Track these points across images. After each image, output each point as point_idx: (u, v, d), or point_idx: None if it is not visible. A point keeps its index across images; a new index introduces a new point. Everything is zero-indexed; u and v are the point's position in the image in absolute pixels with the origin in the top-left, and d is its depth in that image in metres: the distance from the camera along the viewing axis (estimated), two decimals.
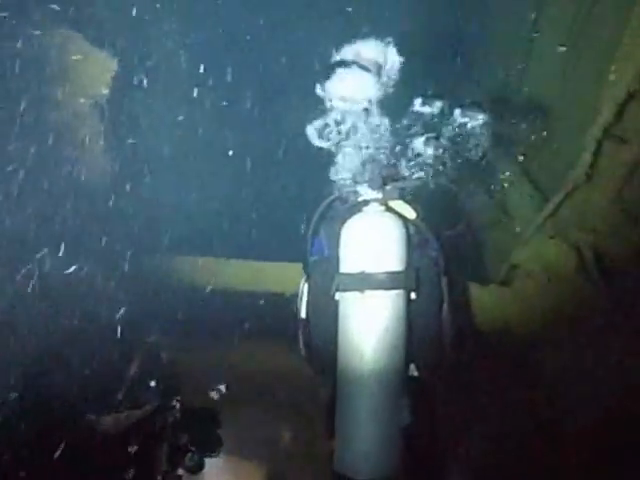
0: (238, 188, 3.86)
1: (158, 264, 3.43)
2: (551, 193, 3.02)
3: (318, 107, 2.44)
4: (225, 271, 3.32)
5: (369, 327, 1.96)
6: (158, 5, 3.41)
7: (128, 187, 3.43)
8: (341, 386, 2.01)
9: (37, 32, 2.84)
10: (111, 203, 3.31)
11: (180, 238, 3.46)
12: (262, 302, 3.25)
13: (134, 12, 3.30)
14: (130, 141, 3.62)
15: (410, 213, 2.21)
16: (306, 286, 2.20)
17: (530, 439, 2.69)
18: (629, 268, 2.61)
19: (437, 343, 2.11)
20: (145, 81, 3.56)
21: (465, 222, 2.48)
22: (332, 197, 2.34)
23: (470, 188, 3.53)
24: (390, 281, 1.96)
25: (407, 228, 2.09)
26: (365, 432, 1.92)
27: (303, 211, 2.42)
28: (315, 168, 2.63)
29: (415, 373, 2.10)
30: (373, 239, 2.02)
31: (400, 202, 2.25)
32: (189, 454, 2.75)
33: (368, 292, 1.96)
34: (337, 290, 2.03)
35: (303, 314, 2.18)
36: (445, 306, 2.11)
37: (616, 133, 2.34)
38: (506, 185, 3.46)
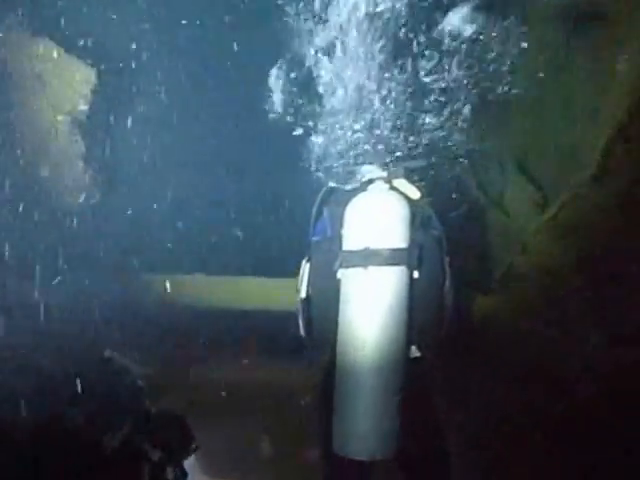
0: (226, 203, 3.71)
1: (143, 283, 3.28)
2: (549, 190, 2.88)
3: None
4: (212, 288, 3.19)
5: (371, 305, 1.95)
6: (140, 15, 3.28)
7: (112, 205, 3.28)
8: (341, 364, 1.99)
9: (8, 40, 2.70)
10: (94, 223, 3.16)
11: (165, 256, 3.32)
12: (247, 317, 3.18)
13: (115, 22, 3.16)
14: (113, 159, 3.47)
15: (414, 193, 2.22)
16: (307, 266, 2.20)
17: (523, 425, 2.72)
18: (631, 271, 2.50)
19: (438, 322, 2.12)
20: (128, 95, 3.42)
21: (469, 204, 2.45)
22: (332, 186, 2.34)
23: (462, 182, 3.39)
24: (393, 257, 1.96)
25: (411, 207, 2.08)
26: (365, 411, 1.91)
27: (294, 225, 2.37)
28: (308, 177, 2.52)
29: (417, 354, 2.07)
30: (377, 216, 2.02)
31: (404, 182, 2.26)
32: (169, 469, 2.63)
33: (372, 268, 1.96)
34: (341, 267, 2.03)
35: (303, 294, 2.18)
36: (447, 285, 2.11)
37: (629, 132, 2.19)
38: (502, 181, 3.33)
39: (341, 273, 2.04)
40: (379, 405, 1.91)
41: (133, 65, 3.51)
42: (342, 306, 2.02)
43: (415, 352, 2.06)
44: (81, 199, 3.21)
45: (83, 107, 3.24)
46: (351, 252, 2.01)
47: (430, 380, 2.27)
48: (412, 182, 2.27)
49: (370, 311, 1.94)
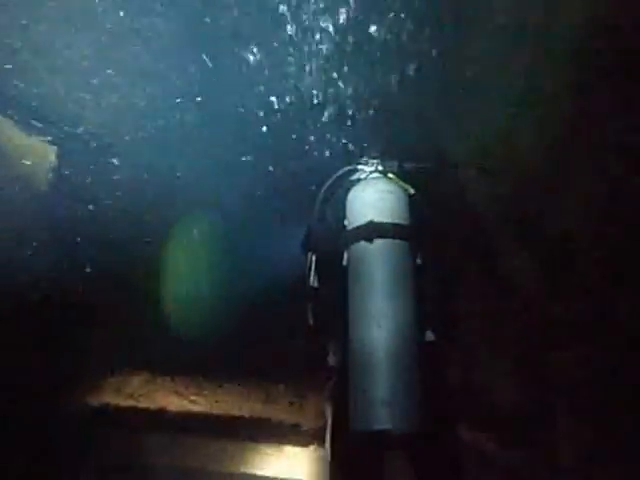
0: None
1: None
2: None
3: None
4: None
5: (380, 279, 1.97)
6: (95, 82, 3.11)
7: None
8: (355, 343, 1.95)
9: None
10: None
11: None
12: None
13: (72, 93, 2.98)
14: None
15: (408, 188, 2.28)
16: (314, 258, 2.25)
17: None
18: None
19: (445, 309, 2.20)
20: (89, 170, 3.16)
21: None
22: (332, 179, 2.37)
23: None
24: (397, 231, 2.03)
25: (410, 197, 2.19)
26: (383, 385, 1.87)
27: None
28: None
29: (432, 338, 2.07)
30: (380, 195, 2.11)
31: (397, 179, 2.31)
32: None
33: (377, 241, 2.00)
34: (346, 245, 2.07)
35: (312, 283, 2.22)
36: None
37: None
38: None
39: (346, 255, 2.07)
40: (397, 379, 1.88)
41: (94, 144, 3.30)
42: (350, 283, 2.02)
43: (430, 336, 2.05)
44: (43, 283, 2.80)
45: (43, 185, 2.93)
46: (355, 228, 2.07)
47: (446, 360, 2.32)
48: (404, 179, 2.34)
49: (380, 283, 1.96)
